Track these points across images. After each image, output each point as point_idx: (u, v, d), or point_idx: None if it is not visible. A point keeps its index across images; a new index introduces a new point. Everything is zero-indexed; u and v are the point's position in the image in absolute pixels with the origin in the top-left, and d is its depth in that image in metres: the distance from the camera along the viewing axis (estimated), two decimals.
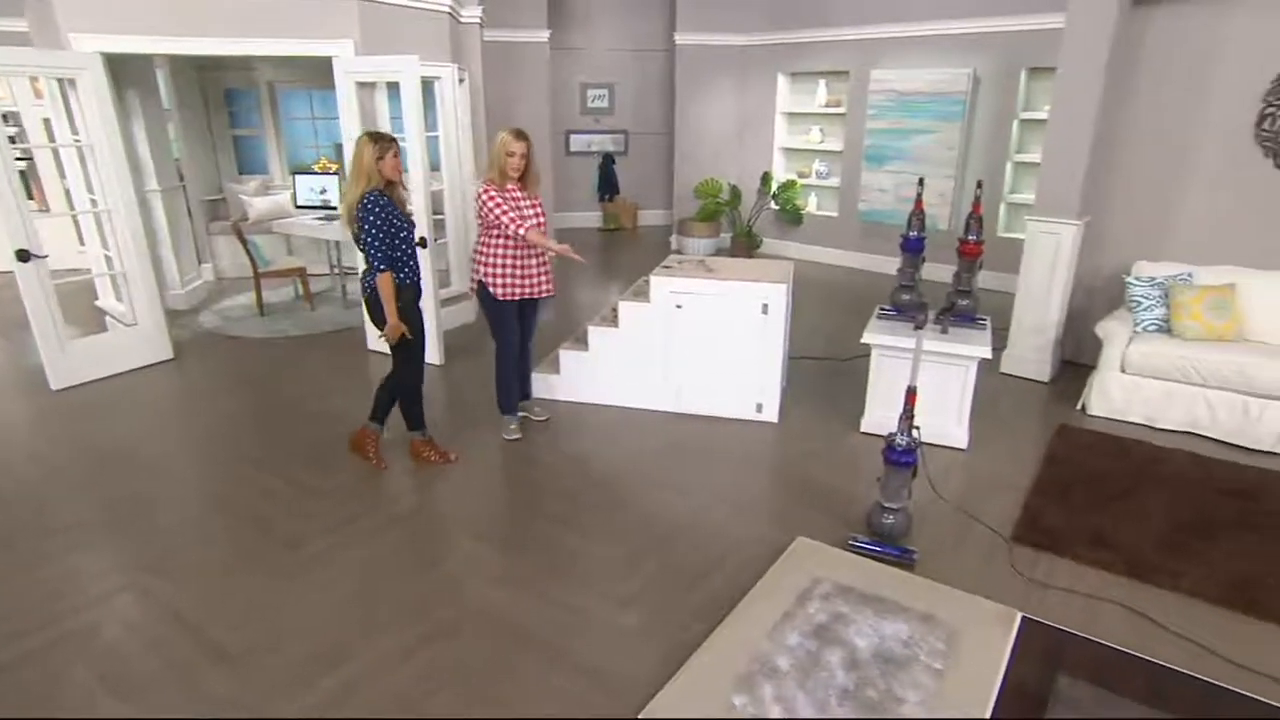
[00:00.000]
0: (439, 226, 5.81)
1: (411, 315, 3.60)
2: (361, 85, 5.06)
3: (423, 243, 4.90)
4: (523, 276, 3.85)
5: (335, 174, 7.05)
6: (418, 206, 4.85)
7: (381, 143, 3.38)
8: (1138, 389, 4.14)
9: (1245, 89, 4.35)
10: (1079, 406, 4.41)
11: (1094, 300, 4.94)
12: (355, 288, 6.55)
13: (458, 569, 3.02)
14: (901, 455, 2.90)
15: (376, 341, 5.44)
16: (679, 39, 8.66)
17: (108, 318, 5.64)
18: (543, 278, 3.96)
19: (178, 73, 7.11)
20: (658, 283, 4.26)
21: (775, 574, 2.87)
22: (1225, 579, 2.88)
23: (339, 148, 8.29)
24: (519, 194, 3.77)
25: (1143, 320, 4.29)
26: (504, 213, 3.65)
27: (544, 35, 8.47)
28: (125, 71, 5.70)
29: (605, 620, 2.71)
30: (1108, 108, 4.54)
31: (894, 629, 2.54)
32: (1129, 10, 4.42)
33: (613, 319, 4.53)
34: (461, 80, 6.10)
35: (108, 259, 5.18)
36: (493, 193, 3.67)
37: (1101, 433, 4.07)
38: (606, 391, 4.52)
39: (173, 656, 2.51)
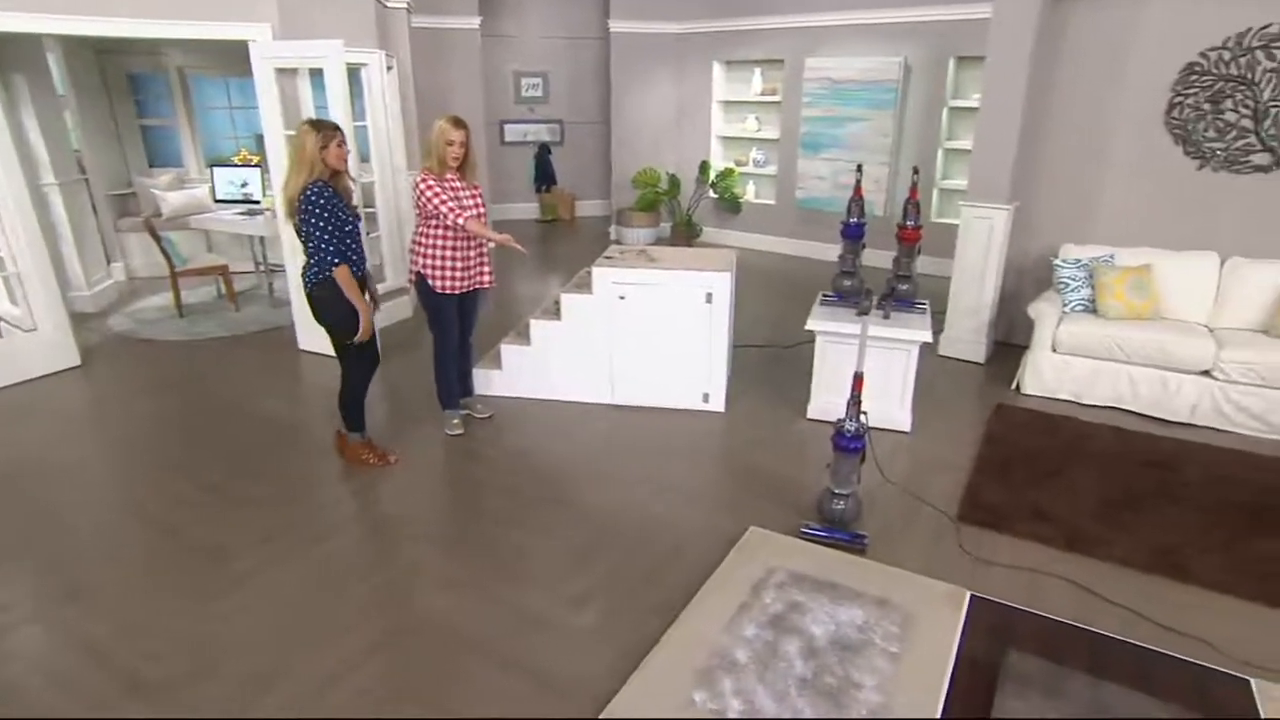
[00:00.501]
0: (370, 219, 5.56)
1: (333, 314, 3.45)
2: (282, 72, 4.78)
3: None
4: (463, 268, 3.73)
5: (257, 166, 6.68)
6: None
7: (325, 131, 3.22)
8: (1067, 367, 4.29)
9: (1156, 79, 4.53)
10: (1013, 386, 4.54)
11: (1024, 283, 5.10)
12: (283, 286, 6.24)
13: (401, 575, 2.89)
14: (851, 441, 2.91)
15: (309, 341, 5.19)
16: (613, 26, 8.55)
17: (2, 323, 5.19)
18: (483, 269, 3.87)
19: (72, 55, 6.60)
20: (600, 274, 4.18)
21: (729, 565, 2.85)
22: (1152, 547, 3.00)
23: (260, 139, 7.88)
24: (458, 183, 3.65)
25: (1070, 301, 4.44)
26: (443, 202, 3.52)
27: (475, 22, 8.23)
28: (9, 53, 5.24)
29: (558, 621, 2.63)
30: (1034, 97, 4.67)
31: (849, 615, 2.54)
32: (1051, 1, 4.55)
33: (555, 311, 4.43)
34: (390, 68, 5.86)
35: None
36: (431, 182, 3.54)
37: (1035, 411, 4.21)
38: (550, 385, 4.42)
39: (85, 691, 2.30)
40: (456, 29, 8.04)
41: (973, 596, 2.65)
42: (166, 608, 2.68)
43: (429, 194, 3.52)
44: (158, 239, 5.87)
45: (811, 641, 2.42)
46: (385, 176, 5.69)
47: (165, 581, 2.83)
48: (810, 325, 3.96)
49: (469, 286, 3.82)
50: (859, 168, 4.11)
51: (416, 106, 6.54)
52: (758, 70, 8.19)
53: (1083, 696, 2.25)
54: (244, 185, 6.56)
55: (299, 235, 3.30)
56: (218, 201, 6.69)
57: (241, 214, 6.36)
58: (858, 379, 2.94)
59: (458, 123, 3.58)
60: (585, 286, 4.32)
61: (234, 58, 6.49)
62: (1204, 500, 3.35)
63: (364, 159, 5.62)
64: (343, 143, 3.28)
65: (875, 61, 7.01)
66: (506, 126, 10.05)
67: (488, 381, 4.47)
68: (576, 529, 3.18)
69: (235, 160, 7.07)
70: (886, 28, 6.99)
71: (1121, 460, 3.68)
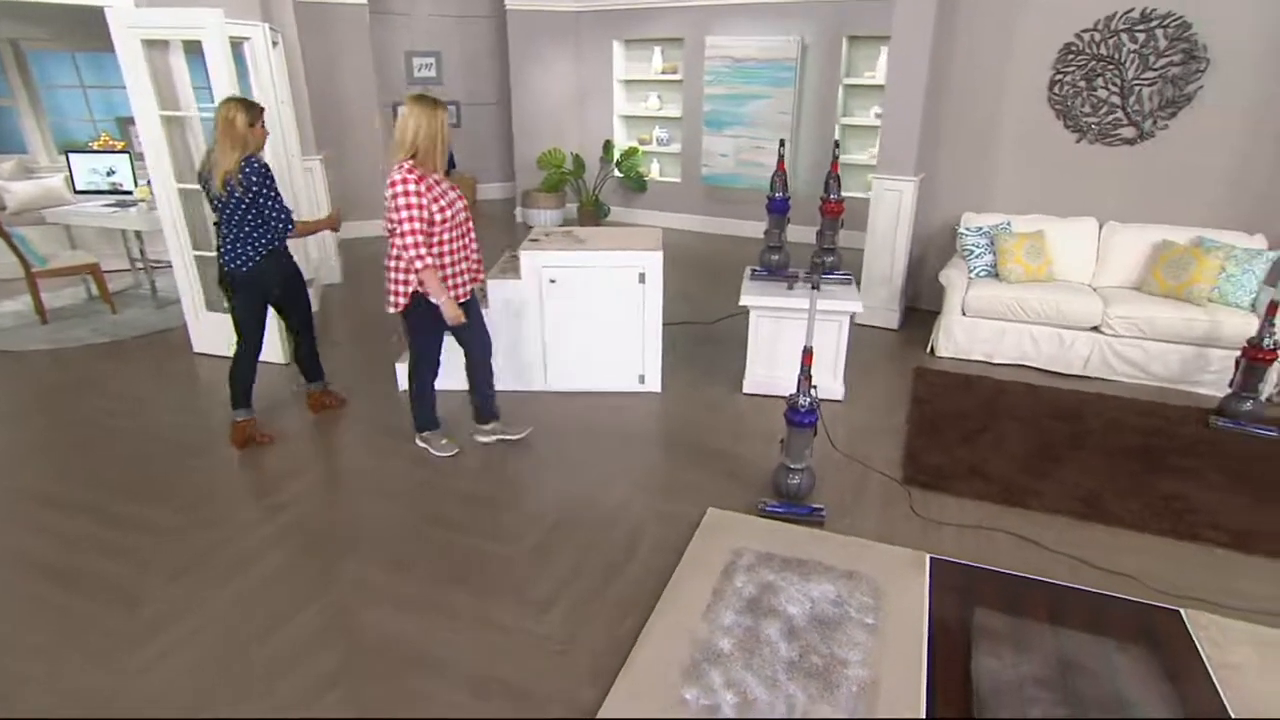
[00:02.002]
0: None
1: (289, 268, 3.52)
2: (151, 46, 4.11)
3: None
4: (465, 271, 3.14)
5: (124, 152, 5.84)
6: None
7: (254, 110, 3.21)
8: (976, 329, 4.42)
9: (1039, 57, 4.70)
10: (929, 349, 4.64)
11: (929, 251, 5.22)
12: (168, 283, 5.54)
13: (345, 597, 2.55)
14: (805, 416, 2.82)
15: (206, 342, 4.59)
16: (509, 4, 8.07)
17: None
18: (477, 266, 3.26)
19: None
20: (528, 258, 3.90)
21: (694, 551, 2.71)
22: (1076, 494, 3.11)
23: (124, 122, 6.95)
24: (437, 177, 2.99)
25: (975, 267, 4.57)
26: (414, 231, 2.82)
27: None
28: None
29: (525, 629, 2.40)
30: (934, 74, 4.72)
31: (821, 590, 2.46)
32: None
33: (482, 299, 4.10)
34: (275, 44, 5.23)
35: None
36: (411, 188, 2.80)
37: (952, 372, 4.31)
38: None
39: None
40: (343, 4, 7.32)
41: (932, 559, 2.64)
42: (64, 670, 2.24)
43: (408, 211, 2.79)
44: (6, 236, 5.01)
45: (791, 622, 2.32)
46: (280, 163, 5.09)
47: (57, 639, 2.36)
48: (744, 300, 3.86)
49: (469, 291, 3.22)
50: (781, 143, 4.01)
51: (307, 87, 5.90)
52: (658, 49, 7.97)
53: (1048, 646, 2.27)
54: (111, 174, 5.72)
55: (233, 212, 3.20)
56: (78, 193, 5.81)
57: (111, 206, 5.55)
58: (807, 353, 2.84)
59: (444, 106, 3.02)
60: (512, 271, 4.02)
61: (78, 26, 5.62)
62: (1107, 446, 3.53)
63: None
64: (265, 124, 3.29)
65: (774, 40, 6.96)
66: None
67: None
68: (529, 527, 2.94)
69: (95, 146, 6.16)
70: (782, 6, 6.94)
71: (1034, 414, 3.82)
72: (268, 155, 5.00)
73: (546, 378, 4.09)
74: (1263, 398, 3.80)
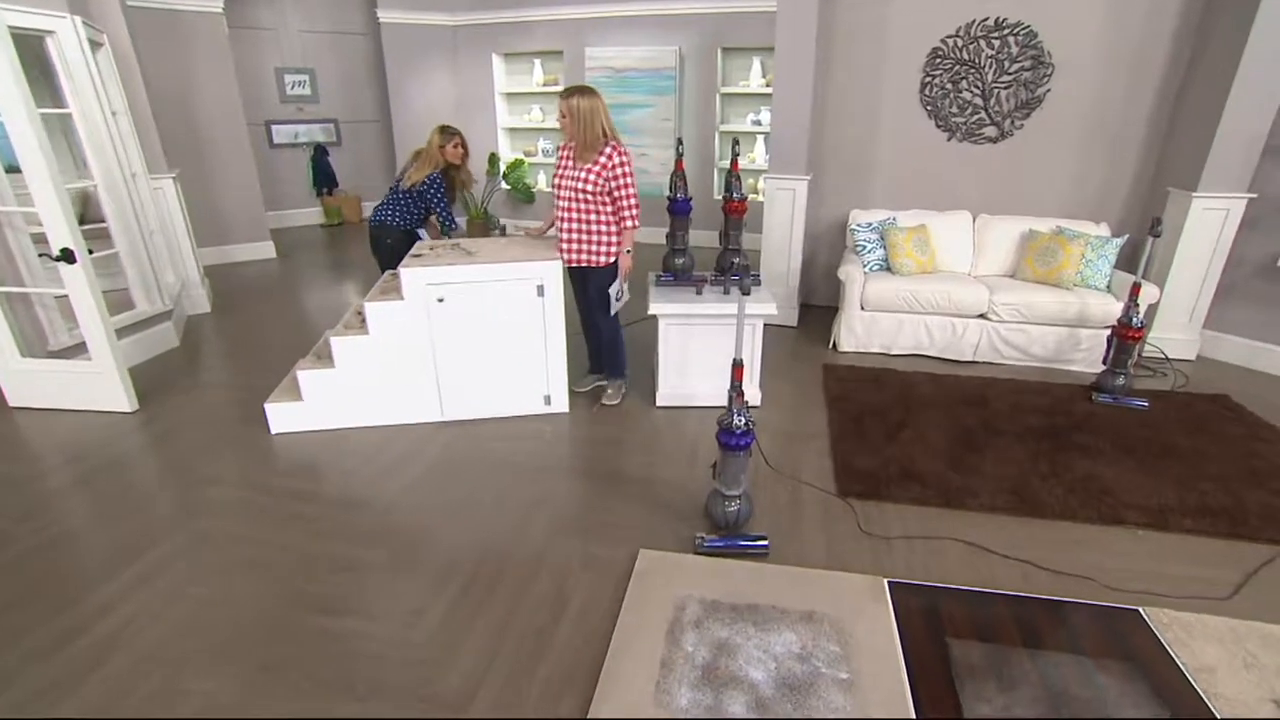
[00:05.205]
0: (98, 237, 3.89)
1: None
2: None
3: (67, 256, 3.13)
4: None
5: None
6: (53, 210, 3.05)
7: (447, 133, 3.76)
8: (875, 322, 4.08)
9: (910, 62, 4.44)
10: (830, 345, 4.27)
11: (819, 248, 4.87)
12: None
13: None
14: (740, 438, 2.28)
15: (28, 393, 3.47)
16: (383, 17, 7.10)
17: None
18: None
19: None
20: (410, 275, 3.13)
21: (631, 606, 2.10)
22: (1005, 489, 2.77)
23: None
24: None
25: (869, 261, 4.24)
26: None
27: (216, 5, 6.30)
28: None
29: None
30: (818, 77, 4.34)
31: (783, 643, 1.93)
32: None
33: (360, 324, 3.30)
34: (99, 45, 4.12)
35: None
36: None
37: (858, 367, 3.94)
38: (366, 412, 3.30)
39: None
40: (191, 12, 6.09)
41: (891, 584, 2.17)
42: None
43: (631, 174, 3.11)
44: None
45: (756, 691, 1.77)
46: (114, 180, 4.00)
47: None
48: (653, 309, 3.28)
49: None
50: (679, 141, 3.46)
51: (149, 100, 4.75)
52: (538, 61, 7.27)
53: (1031, 676, 1.85)
54: None
55: (403, 194, 3.79)
56: None
57: None
58: (738, 367, 2.31)
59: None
60: (394, 292, 3.25)
61: None
62: (1015, 429, 3.25)
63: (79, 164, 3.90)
64: (459, 144, 3.81)
65: (653, 50, 6.44)
66: (274, 128, 8.09)
67: (286, 416, 3.24)
68: (432, 596, 2.23)
69: None
70: (659, 19, 6.43)
71: (944, 403, 3.50)
72: (96, 176, 3.95)
73: (441, 408, 3.34)
74: (1130, 367, 3.68)
